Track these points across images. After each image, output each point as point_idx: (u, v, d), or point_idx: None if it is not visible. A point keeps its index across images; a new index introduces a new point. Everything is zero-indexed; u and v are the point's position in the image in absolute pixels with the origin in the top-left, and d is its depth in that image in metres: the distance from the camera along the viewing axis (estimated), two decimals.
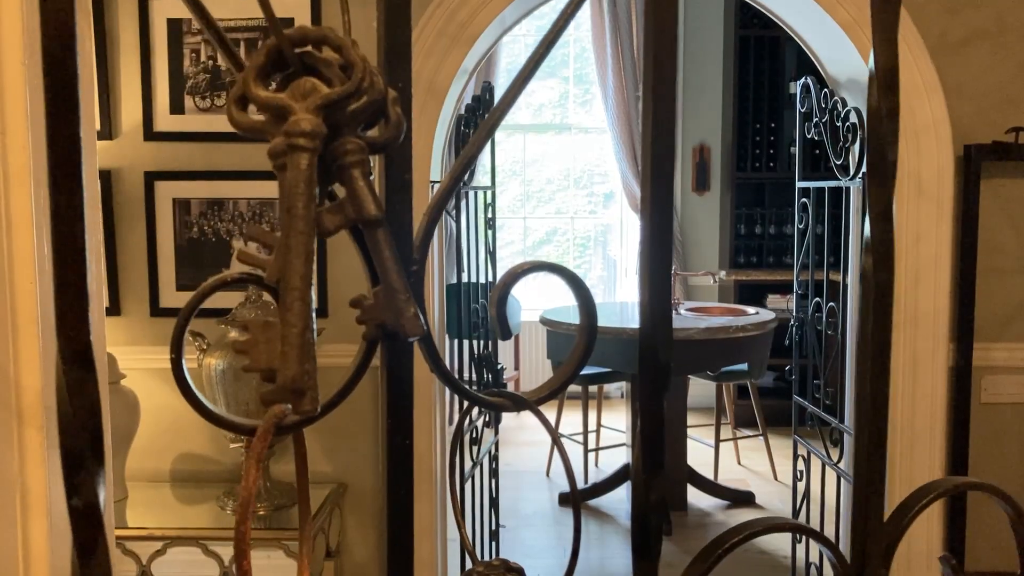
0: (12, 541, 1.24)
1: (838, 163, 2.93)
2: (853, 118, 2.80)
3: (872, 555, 0.63)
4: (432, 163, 2.80)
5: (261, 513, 2.70)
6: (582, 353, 0.56)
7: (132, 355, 2.82)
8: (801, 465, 3.24)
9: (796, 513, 3.28)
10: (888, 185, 0.61)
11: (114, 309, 2.88)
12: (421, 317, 0.47)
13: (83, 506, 0.43)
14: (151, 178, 2.85)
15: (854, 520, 0.64)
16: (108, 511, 1.48)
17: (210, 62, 2.84)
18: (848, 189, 2.98)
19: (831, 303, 3.03)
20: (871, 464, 0.62)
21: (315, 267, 2.75)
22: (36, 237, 1.14)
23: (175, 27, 2.82)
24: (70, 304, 0.43)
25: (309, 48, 0.45)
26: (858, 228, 2.94)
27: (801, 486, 3.23)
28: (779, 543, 4.01)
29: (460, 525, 0.67)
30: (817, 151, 5.83)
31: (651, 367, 0.56)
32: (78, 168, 0.45)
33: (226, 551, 2.57)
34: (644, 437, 0.59)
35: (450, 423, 3.60)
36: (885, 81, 0.57)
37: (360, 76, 0.44)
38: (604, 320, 4.30)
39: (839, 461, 3.02)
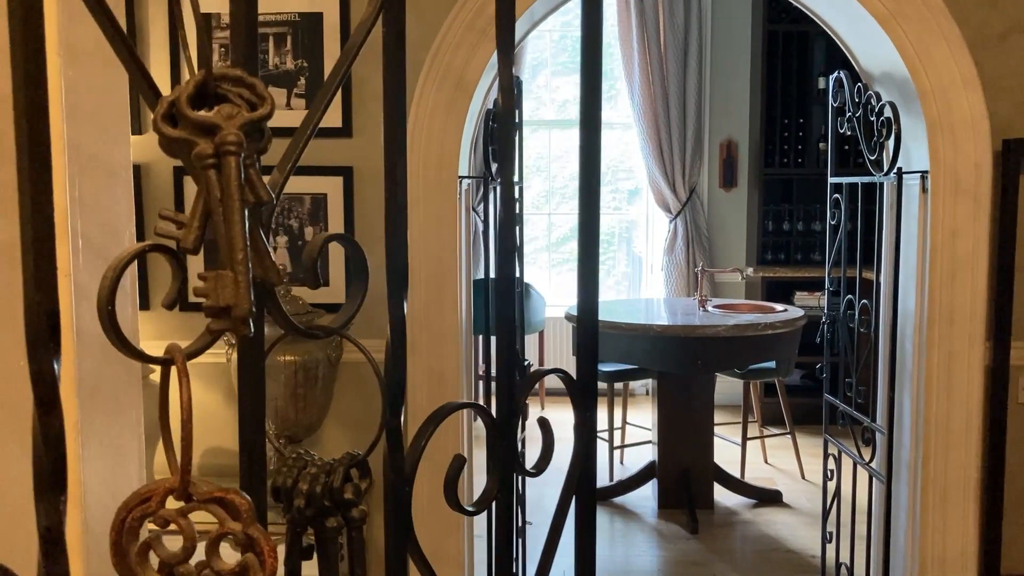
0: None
1: (872, 158, 2.89)
2: (888, 113, 2.75)
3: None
4: (460, 159, 2.78)
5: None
6: (363, 293, 0.80)
7: (161, 349, 2.82)
8: (831, 464, 3.20)
9: (827, 513, 3.24)
10: (511, 165, 0.84)
11: (143, 303, 2.89)
12: (280, 271, 0.65)
13: (40, 370, 0.57)
14: (180, 172, 2.86)
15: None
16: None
17: None
18: (882, 185, 2.93)
19: (864, 300, 2.98)
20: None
21: (343, 264, 2.74)
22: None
23: (205, 21, 2.82)
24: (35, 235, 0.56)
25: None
26: (892, 224, 2.90)
27: (831, 485, 3.19)
28: (807, 543, 3.97)
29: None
30: (846, 146, 5.76)
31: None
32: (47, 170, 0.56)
33: None
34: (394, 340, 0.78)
35: (474, 419, 3.59)
36: (506, 87, 0.82)
37: (270, 106, 0.61)
38: (629, 317, 4.27)
39: (871, 460, 2.98)
